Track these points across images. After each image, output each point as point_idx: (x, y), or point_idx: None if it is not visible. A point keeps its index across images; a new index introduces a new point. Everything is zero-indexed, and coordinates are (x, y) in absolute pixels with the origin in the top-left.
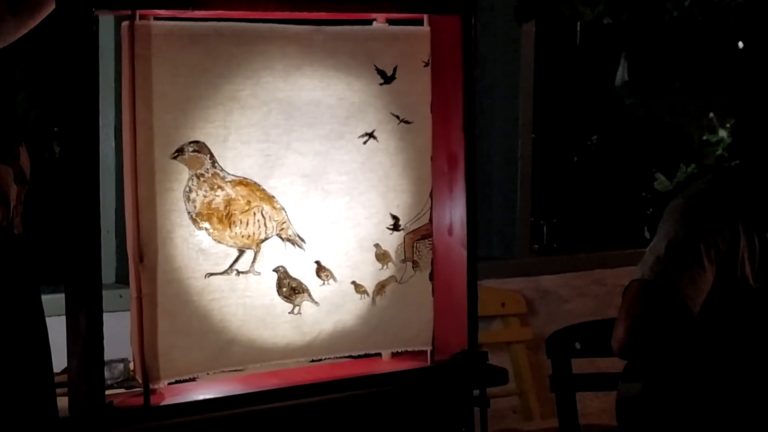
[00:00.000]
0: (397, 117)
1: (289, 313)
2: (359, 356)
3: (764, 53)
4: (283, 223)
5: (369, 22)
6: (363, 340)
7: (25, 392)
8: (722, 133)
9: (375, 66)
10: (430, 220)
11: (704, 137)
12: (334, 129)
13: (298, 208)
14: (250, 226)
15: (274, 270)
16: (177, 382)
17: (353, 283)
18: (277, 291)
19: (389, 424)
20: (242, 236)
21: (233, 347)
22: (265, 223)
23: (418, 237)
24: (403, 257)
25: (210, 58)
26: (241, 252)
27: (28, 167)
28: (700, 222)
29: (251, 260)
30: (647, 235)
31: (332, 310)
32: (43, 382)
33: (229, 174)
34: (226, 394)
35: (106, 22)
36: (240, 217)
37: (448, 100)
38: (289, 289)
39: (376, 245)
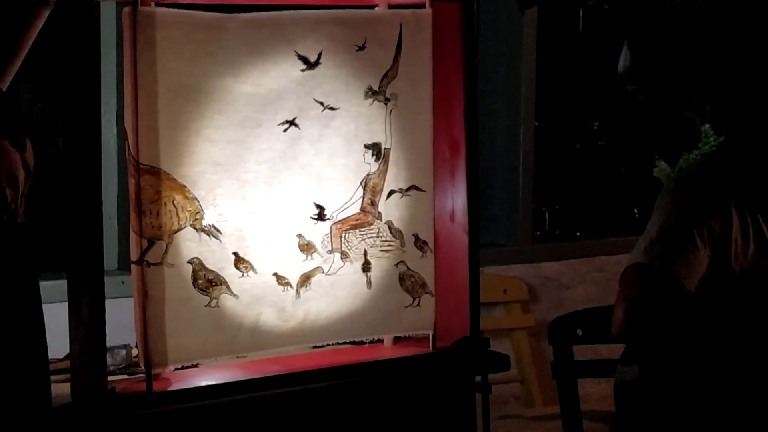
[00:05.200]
0: (321, 103)
1: (205, 306)
2: (361, 342)
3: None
4: (197, 213)
5: (372, 7)
6: (288, 335)
7: (20, 381)
8: None
9: (296, 52)
10: (362, 209)
11: (707, 124)
12: (250, 116)
13: (212, 198)
14: (161, 216)
15: (188, 262)
16: (179, 368)
17: (275, 274)
18: (193, 283)
19: (391, 410)
20: (152, 226)
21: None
22: (177, 214)
23: (347, 227)
24: (330, 248)
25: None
26: (151, 243)
27: (32, 161)
28: (690, 203)
29: (163, 251)
30: None
31: (253, 302)
32: (37, 370)
33: (139, 162)
34: (228, 380)
35: (106, 8)
36: (149, 207)
37: (450, 87)
38: (206, 281)
39: (299, 235)
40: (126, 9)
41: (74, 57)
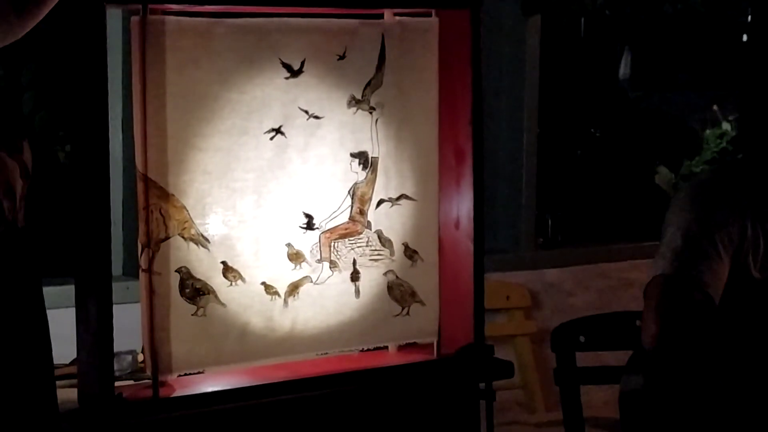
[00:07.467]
0: (306, 112)
1: (192, 315)
2: (366, 349)
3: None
4: (185, 222)
5: (380, 16)
6: (275, 344)
7: (25, 385)
8: (725, 126)
9: (280, 59)
10: (351, 218)
11: (707, 130)
12: (236, 124)
13: (201, 207)
14: (149, 223)
15: (176, 270)
16: (185, 374)
17: (263, 283)
18: (180, 292)
19: (395, 416)
20: (143, 233)
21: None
22: (164, 222)
23: (335, 236)
24: (318, 257)
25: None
26: (143, 249)
27: (31, 162)
28: (712, 211)
29: (149, 259)
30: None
31: (240, 311)
32: (43, 375)
33: (139, 171)
34: (233, 386)
35: (111, 14)
36: (141, 213)
37: (456, 95)
38: (193, 290)
39: (288, 244)
40: (134, 18)
41: (82, 64)
